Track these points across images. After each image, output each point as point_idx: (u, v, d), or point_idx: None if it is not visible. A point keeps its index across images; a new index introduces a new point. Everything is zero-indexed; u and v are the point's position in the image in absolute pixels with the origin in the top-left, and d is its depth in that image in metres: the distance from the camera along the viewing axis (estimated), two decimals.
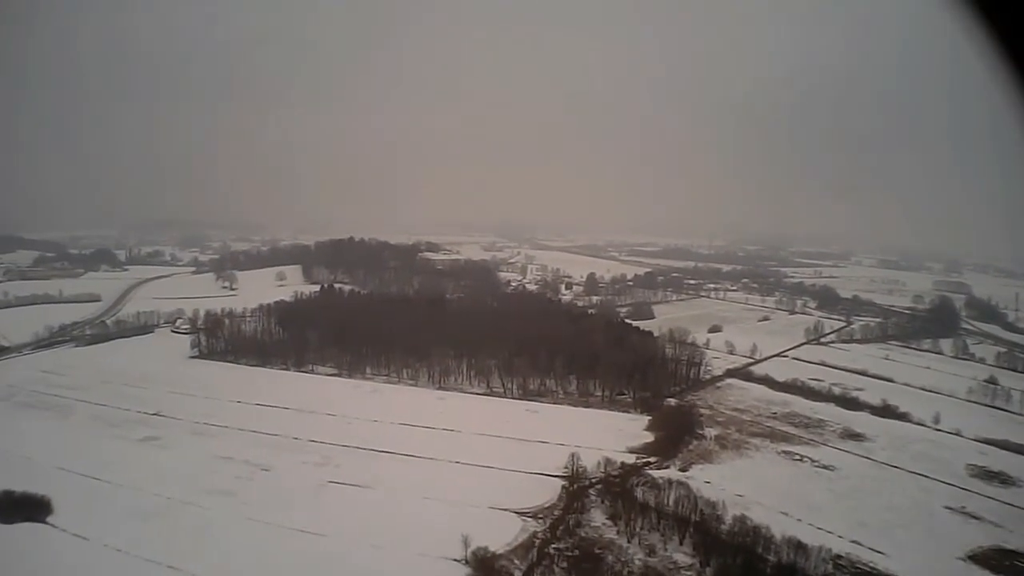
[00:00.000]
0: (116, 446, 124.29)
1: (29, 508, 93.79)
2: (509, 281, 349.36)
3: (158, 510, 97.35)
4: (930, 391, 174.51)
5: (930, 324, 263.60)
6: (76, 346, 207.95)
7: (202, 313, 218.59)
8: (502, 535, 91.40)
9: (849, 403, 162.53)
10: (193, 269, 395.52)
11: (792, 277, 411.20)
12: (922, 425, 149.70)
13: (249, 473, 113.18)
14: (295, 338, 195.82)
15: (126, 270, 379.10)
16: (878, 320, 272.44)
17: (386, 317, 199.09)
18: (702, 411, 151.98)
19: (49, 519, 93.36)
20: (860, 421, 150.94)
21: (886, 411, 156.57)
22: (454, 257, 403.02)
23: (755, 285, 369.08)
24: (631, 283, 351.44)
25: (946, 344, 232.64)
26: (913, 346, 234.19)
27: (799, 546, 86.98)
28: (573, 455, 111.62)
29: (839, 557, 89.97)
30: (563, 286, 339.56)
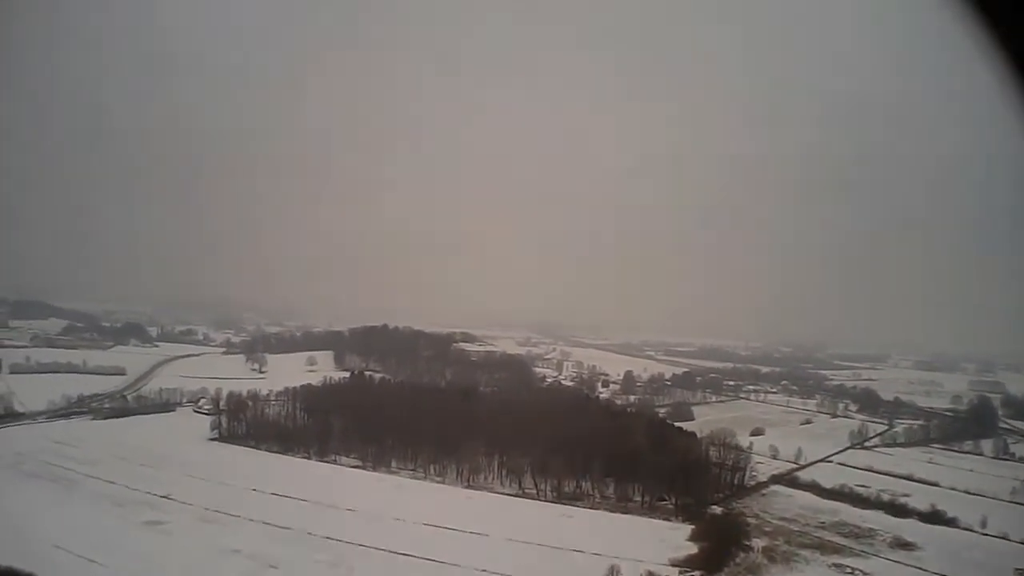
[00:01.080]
0: (117, 527, 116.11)
1: None
2: (544, 376, 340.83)
3: None
4: (975, 494, 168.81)
5: (970, 425, 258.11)
6: (93, 418, 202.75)
7: (226, 394, 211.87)
8: None
9: (898, 510, 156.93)
10: (224, 350, 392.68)
11: (832, 380, 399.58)
12: (970, 530, 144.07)
13: (255, 570, 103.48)
14: (320, 425, 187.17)
15: (156, 346, 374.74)
16: (919, 422, 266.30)
17: (416, 407, 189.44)
18: (748, 520, 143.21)
19: None
20: (909, 529, 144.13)
21: (934, 517, 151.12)
22: (489, 349, 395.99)
23: (795, 387, 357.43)
24: (669, 382, 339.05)
25: (987, 444, 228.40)
26: (955, 448, 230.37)
27: None
28: (612, 568, 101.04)
29: None
30: (599, 383, 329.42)
